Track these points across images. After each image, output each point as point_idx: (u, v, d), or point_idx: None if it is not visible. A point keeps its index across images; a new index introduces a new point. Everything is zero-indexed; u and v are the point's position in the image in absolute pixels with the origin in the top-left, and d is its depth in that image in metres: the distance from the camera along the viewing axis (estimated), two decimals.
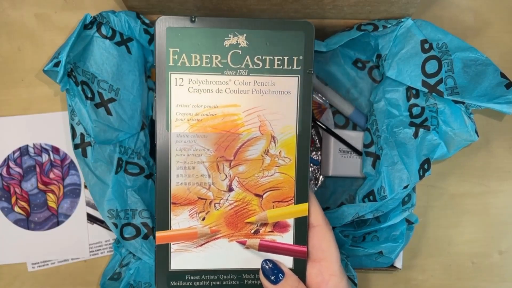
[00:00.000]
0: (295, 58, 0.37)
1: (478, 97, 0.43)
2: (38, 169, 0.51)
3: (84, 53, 0.45)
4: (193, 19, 0.36)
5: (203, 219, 0.38)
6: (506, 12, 0.53)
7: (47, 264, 0.51)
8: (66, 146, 0.52)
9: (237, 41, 0.36)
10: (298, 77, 0.37)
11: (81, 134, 0.45)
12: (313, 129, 0.52)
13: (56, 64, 0.43)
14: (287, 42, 0.36)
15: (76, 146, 0.45)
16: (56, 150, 0.52)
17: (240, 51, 0.36)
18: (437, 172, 0.53)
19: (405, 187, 0.44)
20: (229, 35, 0.36)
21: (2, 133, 0.51)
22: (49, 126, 0.51)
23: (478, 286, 0.53)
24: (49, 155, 0.52)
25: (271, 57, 0.37)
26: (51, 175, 0.52)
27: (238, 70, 0.37)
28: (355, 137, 0.50)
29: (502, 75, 0.43)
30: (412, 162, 0.44)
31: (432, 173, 0.45)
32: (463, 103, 0.43)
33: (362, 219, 0.47)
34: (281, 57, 0.37)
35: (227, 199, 0.38)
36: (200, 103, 0.37)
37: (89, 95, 0.45)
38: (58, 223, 0.52)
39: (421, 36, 0.45)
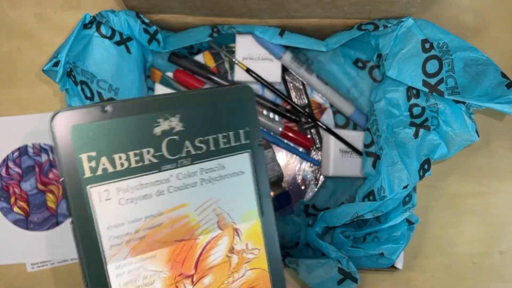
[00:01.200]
0: (241, 131, 0.31)
1: (478, 97, 0.43)
2: (37, 169, 0.51)
3: (83, 52, 0.45)
4: (105, 108, 0.27)
5: None
6: (507, 12, 0.53)
7: (46, 265, 0.51)
8: None
9: (169, 125, 0.28)
10: (249, 152, 0.31)
11: None
12: (313, 129, 0.52)
13: (56, 64, 0.43)
14: (228, 115, 0.30)
15: None
16: None
17: (176, 137, 0.29)
18: (437, 172, 0.53)
19: (405, 187, 0.44)
20: (159, 120, 0.28)
21: (1, 133, 0.51)
22: (48, 126, 0.51)
23: (478, 286, 0.53)
24: (48, 155, 0.51)
25: (215, 136, 0.30)
26: (51, 175, 0.51)
27: (179, 161, 0.29)
28: (356, 137, 0.50)
29: (503, 75, 0.43)
30: (412, 162, 0.44)
31: (433, 173, 0.44)
32: (463, 103, 0.43)
33: (363, 220, 0.47)
34: (226, 134, 0.30)
35: None
36: (138, 216, 0.28)
37: (89, 95, 0.45)
38: (57, 223, 0.51)
39: (422, 36, 0.44)
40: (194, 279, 0.30)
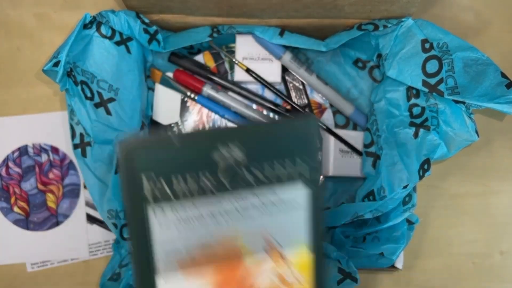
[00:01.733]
0: (300, 163, 0.31)
1: (478, 97, 0.43)
2: (37, 169, 0.51)
3: (83, 52, 0.45)
4: (172, 141, 0.28)
5: None
6: (507, 12, 0.53)
7: (46, 265, 0.51)
8: (65, 146, 0.51)
9: (228, 152, 0.29)
10: (306, 184, 0.31)
11: (81, 134, 0.45)
12: None
13: (56, 64, 0.43)
14: (289, 145, 0.30)
15: (75, 146, 0.45)
16: (55, 150, 0.51)
17: (234, 163, 0.29)
18: (437, 172, 0.53)
19: (405, 187, 0.44)
20: (219, 147, 0.29)
21: (1, 133, 0.51)
22: (48, 126, 0.51)
23: (478, 286, 0.53)
24: (48, 155, 0.51)
25: (272, 166, 0.30)
26: (51, 175, 0.51)
27: (234, 186, 0.29)
28: (356, 137, 0.50)
29: (503, 75, 0.43)
30: (412, 162, 0.44)
31: (433, 173, 0.44)
32: (463, 103, 0.43)
33: (363, 220, 0.47)
34: (284, 163, 0.30)
35: None
36: (191, 236, 0.29)
37: (89, 95, 0.45)
38: (57, 223, 0.51)
39: (422, 36, 0.44)
40: None
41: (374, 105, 0.48)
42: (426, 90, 0.44)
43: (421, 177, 0.43)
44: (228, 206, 0.30)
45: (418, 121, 0.45)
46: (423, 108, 0.45)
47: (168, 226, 0.29)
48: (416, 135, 0.44)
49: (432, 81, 0.44)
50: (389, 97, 0.47)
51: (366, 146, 0.49)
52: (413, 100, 0.46)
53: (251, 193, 0.30)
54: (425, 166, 0.43)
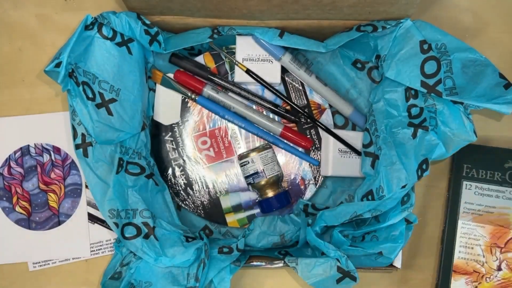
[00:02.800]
0: None
1: (476, 98, 0.43)
2: (39, 169, 0.52)
3: (85, 53, 0.45)
4: None
5: (475, 287, 0.49)
6: (505, 12, 0.53)
7: (48, 264, 0.52)
8: (67, 146, 0.52)
9: None
10: None
11: (82, 134, 0.45)
12: (312, 129, 0.53)
13: (57, 65, 0.43)
14: None
15: (77, 146, 0.45)
16: (57, 150, 0.52)
17: None
18: (435, 172, 0.53)
19: (403, 186, 0.44)
20: (509, 161, 0.50)
21: (4, 133, 0.52)
22: (50, 126, 0.52)
23: None
24: (50, 155, 0.52)
25: None
26: (52, 175, 0.52)
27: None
28: (355, 137, 0.51)
29: (501, 76, 0.43)
30: (410, 162, 0.44)
31: (431, 173, 0.45)
32: (461, 103, 0.44)
33: (362, 219, 0.47)
34: None
35: (496, 276, 0.49)
36: (482, 203, 0.50)
37: (90, 96, 0.45)
38: (59, 223, 0.52)
39: (420, 37, 0.45)
40: (502, 250, 0.50)
41: (373, 105, 0.48)
42: (425, 90, 0.44)
43: (419, 177, 0.43)
44: (507, 195, 0.50)
45: (416, 121, 0.45)
46: (422, 109, 0.45)
47: (471, 194, 0.51)
48: (414, 135, 0.45)
49: (431, 81, 0.44)
50: (388, 97, 0.47)
51: (365, 146, 0.49)
52: (411, 101, 0.46)
53: None
54: (424, 166, 0.44)
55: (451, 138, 0.44)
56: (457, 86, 0.44)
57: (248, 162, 0.50)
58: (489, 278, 0.50)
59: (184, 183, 0.52)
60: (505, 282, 0.49)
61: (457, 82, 0.44)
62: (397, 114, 0.47)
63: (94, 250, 0.52)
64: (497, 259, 0.50)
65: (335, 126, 0.53)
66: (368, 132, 0.49)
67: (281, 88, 0.52)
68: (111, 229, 0.48)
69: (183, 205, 0.52)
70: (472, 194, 0.51)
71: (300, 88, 0.52)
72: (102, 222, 0.52)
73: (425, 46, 0.45)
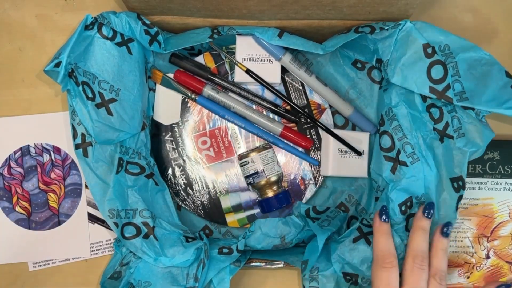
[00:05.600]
0: None
1: (487, 102, 0.42)
2: (39, 169, 0.52)
3: (85, 53, 0.45)
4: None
5: (468, 277, 0.52)
6: (505, 12, 0.53)
7: (48, 264, 0.52)
8: (67, 146, 0.52)
9: (493, 156, 0.51)
10: None
11: (82, 134, 0.46)
12: (312, 129, 0.53)
13: (57, 65, 0.43)
14: None
15: (77, 146, 0.45)
16: (57, 150, 0.52)
17: (495, 162, 0.51)
18: None
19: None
20: (488, 152, 0.51)
21: (3, 133, 0.52)
22: (50, 126, 0.52)
23: None
24: (50, 155, 0.52)
25: None
26: (52, 175, 0.52)
27: (493, 175, 0.51)
28: (354, 137, 0.51)
29: (507, 75, 0.42)
30: (445, 179, 0.45)
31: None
32: (473, 109, 0.43)
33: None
34: None
35: (485, 264, 0.52)
36: (466, 196, 0.51)
37: (90, 96, 0.45)
38: (59, 223, 0.52)
39: (423, 40, 0.44)
40: (488, 239, 0.52)
41: (393, 109, 0.47)
42: (434, 97, 0.43)
43: (459, 200, 0.44)
44: (489, 185, 0.52)
45: (440, 126, 0.45)
46: (441, 110, 0.45)
47: None
48: (442, 141, 0.45)
49: (439, 87, 0.43)
50: (406, 99, 0.47)
51: (384, 150, 0.48)
52: (428, 101, 0.45)
53: (503, 181, 0.52)
54: (460, 183, 0.44)
55: (477, 130, 0.44)
56: (466, 89, 0.43)
57: (248, 162, 0.50)
58: (479, 267, 0.52)
59: (184, 183, 0.52)
60: (494, 268, 0.52)
61: (465, 85, 0.43)
62: (419, 115, 0.46)
63: (94, 250, 0.52)
64: (485, 248, 0.52)
65: (335, 126, 0.53)
66: (391, 137, 0.48)
67: (281, 88, 0.52)
68: (111, 229, 0.48)
69: (183, 205, 0.52)
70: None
71: (300, 88, 0.52)
72: (102, 222, 0.52)
73: (429, 50, 0.44)
